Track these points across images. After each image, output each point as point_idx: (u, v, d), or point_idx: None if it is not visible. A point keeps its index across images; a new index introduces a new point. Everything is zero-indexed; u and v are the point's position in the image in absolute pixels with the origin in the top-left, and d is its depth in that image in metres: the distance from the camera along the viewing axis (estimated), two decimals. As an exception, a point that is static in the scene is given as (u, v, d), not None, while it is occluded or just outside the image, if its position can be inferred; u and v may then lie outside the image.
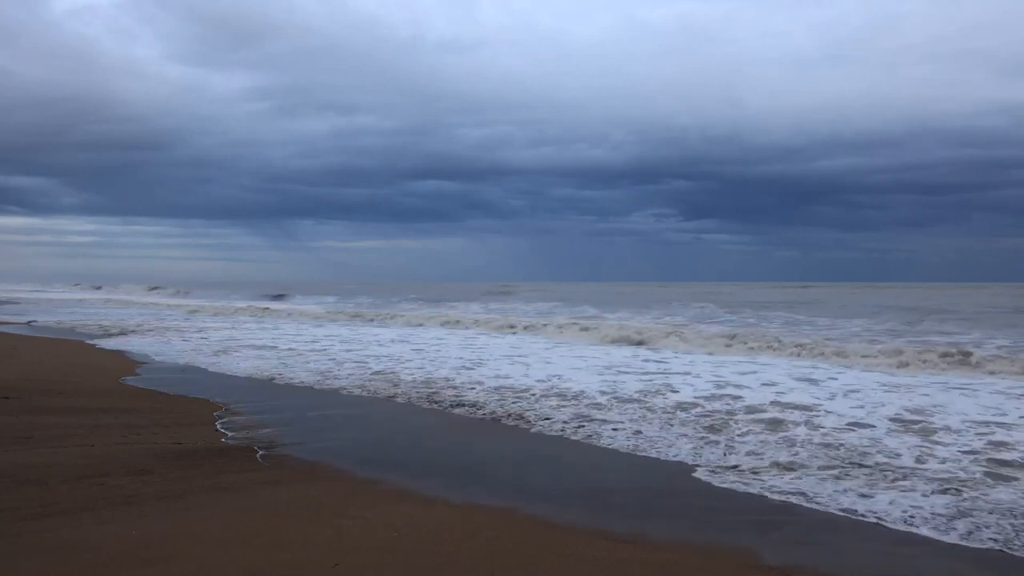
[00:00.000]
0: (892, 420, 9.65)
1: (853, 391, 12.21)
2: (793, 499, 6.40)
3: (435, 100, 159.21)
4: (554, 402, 11.09)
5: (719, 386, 12.63)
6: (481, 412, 10.42)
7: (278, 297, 62.17)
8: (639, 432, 9.00)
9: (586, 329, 25.15)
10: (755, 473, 7.16)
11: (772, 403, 10.94)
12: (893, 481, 6.88)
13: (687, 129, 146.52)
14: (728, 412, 10.23)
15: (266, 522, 5.49)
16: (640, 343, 21.44)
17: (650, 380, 13.46)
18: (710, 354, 18.55)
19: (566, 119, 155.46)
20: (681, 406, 10.71)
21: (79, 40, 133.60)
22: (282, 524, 5.44)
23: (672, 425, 9.38)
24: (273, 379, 13.81)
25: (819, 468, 7.30)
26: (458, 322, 30.88)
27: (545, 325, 27.35)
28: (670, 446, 8.30)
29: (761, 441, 8.48)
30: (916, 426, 9.25)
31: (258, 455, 7.73)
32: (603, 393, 11.88)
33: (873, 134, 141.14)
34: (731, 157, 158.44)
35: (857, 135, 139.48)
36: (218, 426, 9.21)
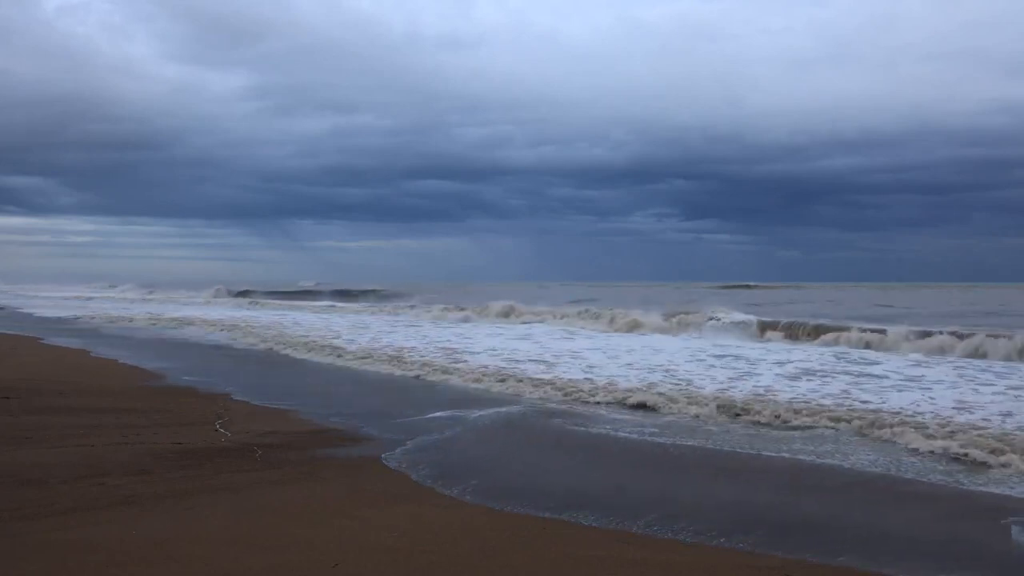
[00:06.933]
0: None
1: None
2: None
3: (433, 99, 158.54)
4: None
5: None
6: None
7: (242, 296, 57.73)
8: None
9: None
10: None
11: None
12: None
13: (687, 128, 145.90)
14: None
15: (266, 522, 5.49)
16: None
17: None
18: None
19: (566, 118, 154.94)
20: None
21: (73, 38, 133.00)
22: (282, 524, 5.44)
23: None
24: None
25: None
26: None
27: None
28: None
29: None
30: None
31: (258, 455, 7.72)
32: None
33: (873, 133, 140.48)
34: (731, 156, 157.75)
35: (858, 134, 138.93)
36: (218, 426, 9.21)
